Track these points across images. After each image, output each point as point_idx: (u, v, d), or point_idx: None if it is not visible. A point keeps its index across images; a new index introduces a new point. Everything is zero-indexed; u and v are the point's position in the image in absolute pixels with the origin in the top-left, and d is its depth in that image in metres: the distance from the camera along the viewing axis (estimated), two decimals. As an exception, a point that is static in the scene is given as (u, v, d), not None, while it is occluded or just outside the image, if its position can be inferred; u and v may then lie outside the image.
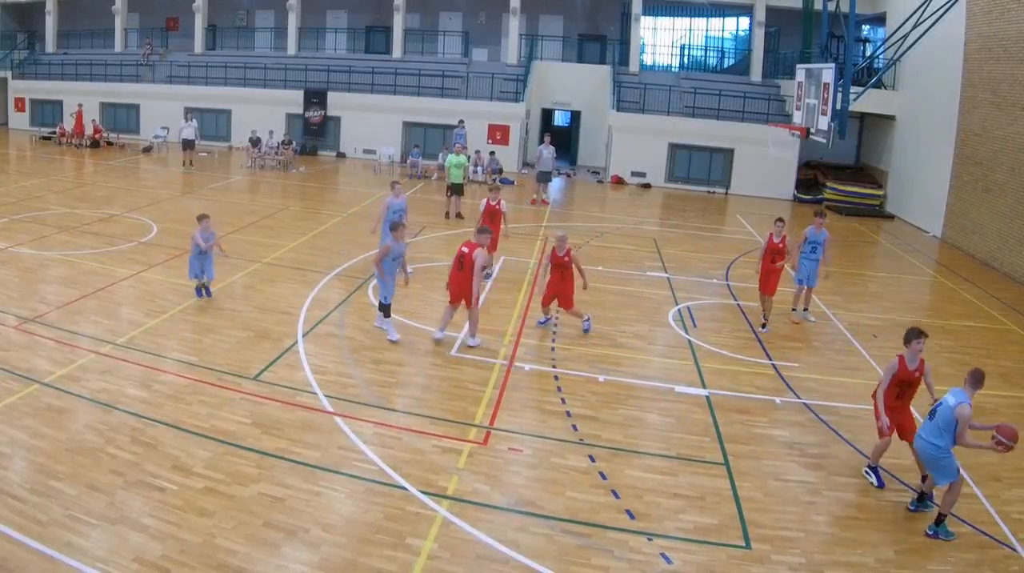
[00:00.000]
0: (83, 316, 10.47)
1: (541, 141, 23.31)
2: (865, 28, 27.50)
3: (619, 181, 26.80)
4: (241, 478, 6.79)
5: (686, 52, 32.19)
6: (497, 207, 13.46)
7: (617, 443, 8.00)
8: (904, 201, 22.93)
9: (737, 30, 31.67)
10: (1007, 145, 17.12)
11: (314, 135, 29.13)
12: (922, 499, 7.02)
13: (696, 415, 8.80)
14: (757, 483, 7.35)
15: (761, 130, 22.97)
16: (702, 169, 26.58)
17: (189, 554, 5.71)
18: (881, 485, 7.40)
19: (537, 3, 30.03)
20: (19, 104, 32.60)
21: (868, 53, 26.29)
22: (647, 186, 26.63)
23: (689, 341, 11.20)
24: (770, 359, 10.64)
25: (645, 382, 9.67)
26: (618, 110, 26.44)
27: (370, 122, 28.27)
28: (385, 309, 10.33)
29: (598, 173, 28.31)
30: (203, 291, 11.49)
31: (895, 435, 7.34)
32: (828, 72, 14.12)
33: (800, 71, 16.72)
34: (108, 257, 13.46)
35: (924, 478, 7.05)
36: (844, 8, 15.25)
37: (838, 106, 13.96)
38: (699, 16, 31.46)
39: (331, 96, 28.51)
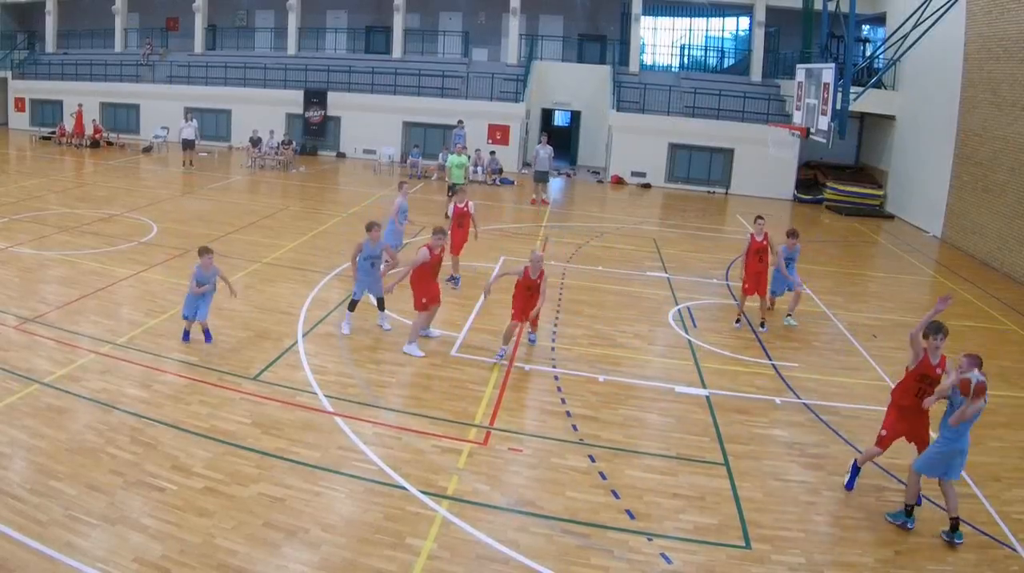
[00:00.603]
0: (83, 316, 10.47)
1: (539, 141, 23.31)
2: (865, 28, 27.50)
3: (619, 181, 26.80)
4: (241, 478, 6.79)
5: (686, 52, 32.19)
6: (465, 210, 13.19)
7: (617, 443, 8.00)
8: (904, 201, 22.92)
9: (737, 30, 31.67)
10: (1007, 145, 17.11)
11: (314, 135, 29.13)
12: (953, 528, 6.52)
13: (696, 415, 8.80)
14: (757, 483, 7.35)
15: (761, 130, 22.97)
16: (702, 169, 26.58)
17: (189, 554, 5.71)
18: (850, 487, 7.27)
19: (537, 3, 30.03)
20: (19, 104, 32.60)
21: (868, 53, 26.29)
22: (647, 186, 26.63)
23: (689, 341, 11.20)
24: (770, 359, 10.64)
25: (645, 382, 9.67)
26: (618, 110, 26.44)
27: (370, 122, 28.27)
28: (352, 305, 10.54)
29: (598, 173, 28.31)
30: (189, 334, 9.86)
31: (904, 439, 7.11)
32: (828, 72, 14.12)
33: (800, 71, 16.73)
34: (108, 257, 13.46)
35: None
36: (844, 8, 15.26)
37: (838, 106, 13.97)
38: (699, 16, 31.46)
39: (331, 96, 28.51)
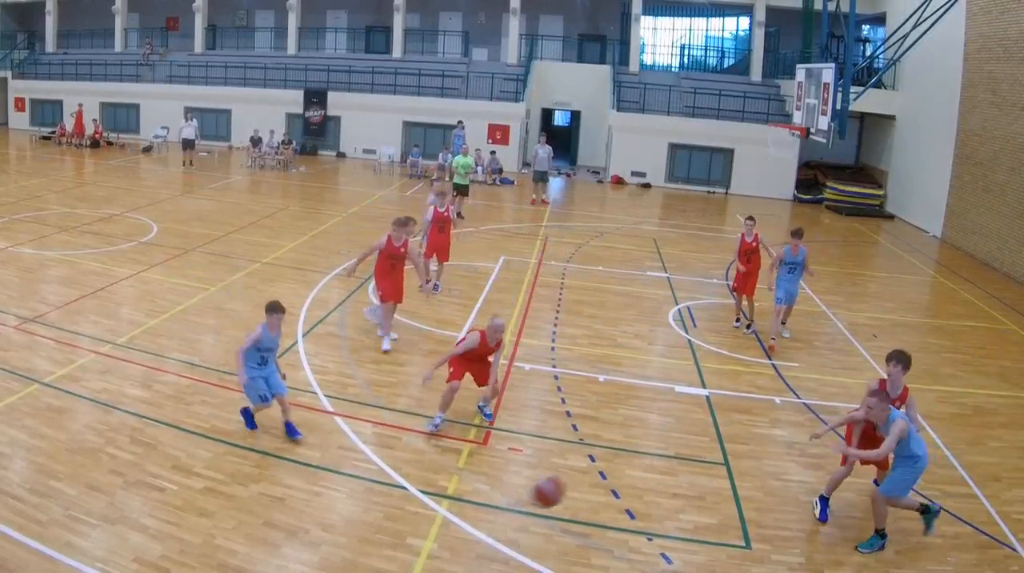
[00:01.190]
0: (83, 316, 10.47)
1: (539, 141, 23.31)
2: (865, 28, 27.49)
3: (619, 181, 26.80)
4: (241, 478, 6.79)
5: (686, 52, 32.18)
6: (445, 214, 12.44)
7: (617, 443, 8.00)
8: (904, 201, 22.92)
9: (737, 30, 31.66)
10: (1007, 145, 17.11)
11: (314, 135, 29.13)
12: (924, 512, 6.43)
13: (696, 415, 8.80)
14: (757, 483, 7.35)
15: (761, 130, 22.97)
16: (702, 169, 26.58)
17: (189, 554, 5.71)
18: (824, 519, 6.75)
19: (537, 3, 30.03)
20: (19, 104, 32.60)
21: (868, 53, 26.29)
22: (647, 186, 26.63)
23: (689, 341, 11.20)
24: (770, 359, 10.64)
25: (645, 382, 9.67)
26: (618, 110, 26.44)
27: (370, 122, 28.27)
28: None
29: (598, 173, 28.31)
30: (254, 421, 7.65)
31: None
32: (828, 72, 14.13)
33: (800, 71, 16.73)
34: (108, 257, 13.46)
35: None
36: (844, 8, 15.26)
37: (838, 106, 13.97)
38: (699, 16, 31.45)
39: (331, 96, 28.51)
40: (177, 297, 11.48)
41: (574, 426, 8.29)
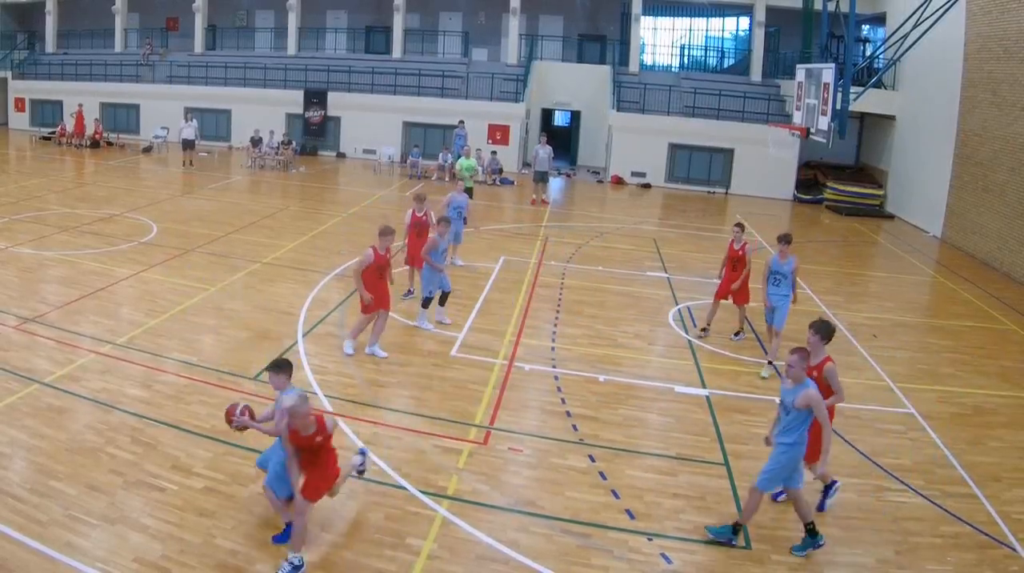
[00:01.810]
0: (83, 316, 10.47)
1: (539, 141, 23.31)
2: (865, 28, 27.50)
3: (619, 181, 26.80)
4: (241, 478, 6.79)
5: (686, 52, 32.18)
6: (424, 219, 11.90)
7: (617, 443, 8.00)
8: (904, 201, 22.92)
9: (737, 30, 31.67)
10: (1007, 145, 17.11)
11: (314, 135, 29.12)
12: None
13: (696, 415, 8.80)
14: (757, 483, 7.34)
15: (761, 130, 22.97)
16: (702, 169, 26.57)
17: (189, 554, 5.71)
18: (821, 508, 6.88)
19: (537, 3, 30.03)
20: (19, 104, 32.58)
21: (868, 53, 26.29)
22: (647, 186, 26.63)
23: (689, 341, 11.19)
24: (770, 360, 10.62)
25: (645, 382, 9.67)
26: (618, 110, 26.43)
27: (370, 122, 28.26)
28: (426, 302, 10.64)
29: (598, 173, 28.31)
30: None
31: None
32: (828, 72, 14.12)
33: (800, 71, 16.72)
34: (108, 257, 13.46)
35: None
36: (844, 8, 15.25)
37: (838, 106, 13.96)
38: (699, 16, 31.46)
39: (331, 96, 28.51)
40: (177, 297, 11.48)
41: (574, 426, 8.29)
